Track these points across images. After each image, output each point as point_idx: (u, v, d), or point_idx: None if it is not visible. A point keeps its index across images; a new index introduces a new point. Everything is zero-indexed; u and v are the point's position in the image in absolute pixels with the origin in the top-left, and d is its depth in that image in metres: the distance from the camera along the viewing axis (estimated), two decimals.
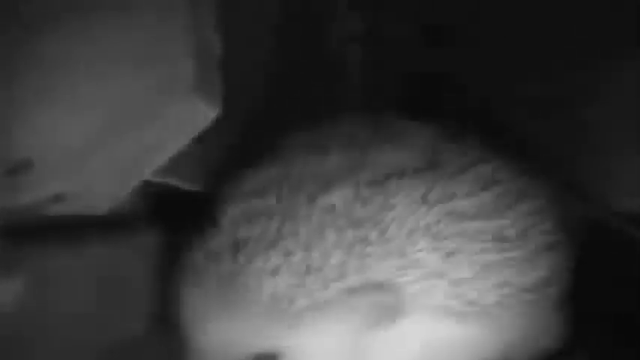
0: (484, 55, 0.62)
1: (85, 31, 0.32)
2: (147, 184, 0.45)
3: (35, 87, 0.31)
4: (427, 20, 0.67)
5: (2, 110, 0.30)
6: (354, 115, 0.44)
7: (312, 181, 0.37)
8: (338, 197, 0.36)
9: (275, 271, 0.35)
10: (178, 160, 0.42)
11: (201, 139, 0.42)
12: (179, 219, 0.46)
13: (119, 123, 0.36)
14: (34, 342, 0.36)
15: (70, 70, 0.33)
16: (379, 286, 0.35)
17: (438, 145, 0.40)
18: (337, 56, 0.75)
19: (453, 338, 0.38)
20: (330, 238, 0.35)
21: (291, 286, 0.35)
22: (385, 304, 0.36)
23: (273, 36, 0.65)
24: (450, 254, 0.36)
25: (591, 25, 0.57)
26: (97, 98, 0.34)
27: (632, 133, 0.54)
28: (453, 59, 0.63)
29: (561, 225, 0.42)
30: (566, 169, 0.56)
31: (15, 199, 0.34)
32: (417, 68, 0.66)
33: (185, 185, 0.50)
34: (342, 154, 0.39)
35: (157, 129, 0.38)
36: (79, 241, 0.42)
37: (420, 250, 0.36)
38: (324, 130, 0.42)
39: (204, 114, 0.39)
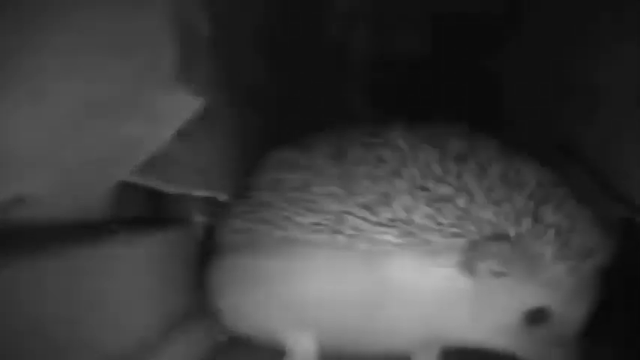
0: None
1: (55, 18, 0.31)
2: (126, 185, 0.44)
3: None
4: None
5: None
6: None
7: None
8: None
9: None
10: (160, 160, 0.42)
11: (187, 137, 0.43)
12: None
13: (93, 115, 0.35)
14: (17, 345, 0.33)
15: (36, 58, 0.31)
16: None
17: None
18: (339, 42, 0.78)
19: None
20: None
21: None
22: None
23: (273, 23, 0.67)
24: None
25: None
26: (68, 89, 0.33)
27: None
28: None
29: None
30: (598, 169, 0.58)
31: None
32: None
33: (166, 187, 0.49)
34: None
35: (135, 121, 0.38)
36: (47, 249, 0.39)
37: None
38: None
39: (187, 104, 0.39)
